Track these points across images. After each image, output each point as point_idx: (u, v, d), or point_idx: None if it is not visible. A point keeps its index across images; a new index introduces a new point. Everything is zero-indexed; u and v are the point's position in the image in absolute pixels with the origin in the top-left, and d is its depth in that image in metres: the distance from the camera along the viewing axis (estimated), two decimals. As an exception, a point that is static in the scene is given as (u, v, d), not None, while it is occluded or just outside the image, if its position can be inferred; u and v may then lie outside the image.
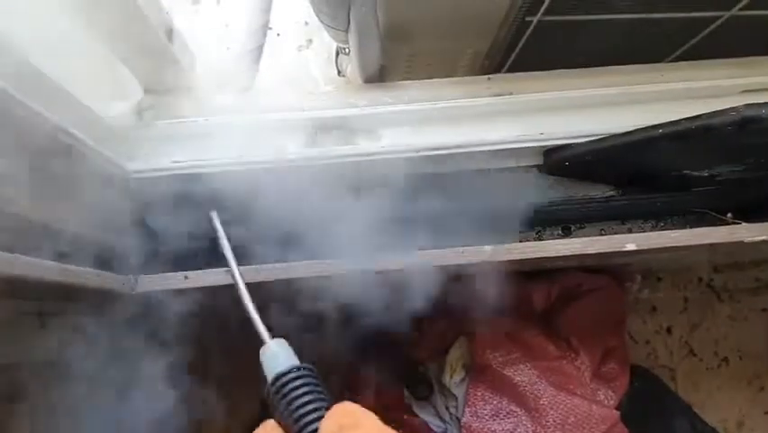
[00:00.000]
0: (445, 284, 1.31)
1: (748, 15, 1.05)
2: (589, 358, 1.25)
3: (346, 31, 1.02)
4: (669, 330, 1.54)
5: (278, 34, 1.65)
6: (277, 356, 0.66)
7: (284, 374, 0.62)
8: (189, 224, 0.92)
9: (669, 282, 1.54)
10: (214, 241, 0.92)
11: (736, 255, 1.23)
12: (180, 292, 0.90)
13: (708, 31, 1.09)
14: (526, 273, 1.31)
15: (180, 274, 0.89)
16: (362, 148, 0.96)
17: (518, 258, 0.94)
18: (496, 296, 1.32)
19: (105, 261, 0.92)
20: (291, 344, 0.69)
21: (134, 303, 0.91)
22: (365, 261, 0.93)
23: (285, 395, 0.60)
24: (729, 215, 1.00)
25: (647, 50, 1.18)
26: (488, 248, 0.92)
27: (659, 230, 0.99)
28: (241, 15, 1.39)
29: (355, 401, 1.34)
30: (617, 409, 1.24)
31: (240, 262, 0.86)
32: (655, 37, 1.13)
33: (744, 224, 0.97)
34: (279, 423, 0.59)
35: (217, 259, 0.93)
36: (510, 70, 1.23)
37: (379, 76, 1.26)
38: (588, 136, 0.99)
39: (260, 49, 1.38)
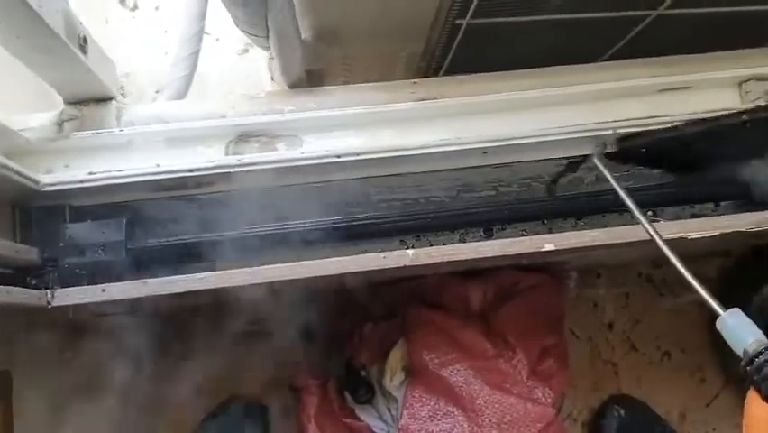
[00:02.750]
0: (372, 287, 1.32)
1: (675, 14, 1.07)
2: (526, 356, 1.27)
3: (266, 37, 1.01)
4: (610, 326, 1.56)
5: (216, 39, 1.64)
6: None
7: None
8: (106, 236, 0.91)
9: (609, 278, 1.56)
10: (131, 252, 0.91)
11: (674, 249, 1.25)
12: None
13: (637, 30, 1.11)
14: (463, 272, 1.32)
15: (98, 287, 0.88)
16: (282, 155, 0.96)
17: (440, 261, 0.94)
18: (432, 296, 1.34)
19: (20, 276, 0.91)
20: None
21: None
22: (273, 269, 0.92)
23: None
24: (650, 213, 1.02)
25: (580, 50, 1.20)
26: (409, 252, 0.93)
27: (577, 229, 1.01)
28: (177, 22, 1.38)
29: (298, 406, 1.35)
30: (553, 406, 1.25)
31: (153, 274, 0.86)
32: (586, 37, 1.15)
33: (662, 222, 0.99)
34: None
35: (137, 270, 0.93)
36: (448, 72, 1.24)
37: (311, 80, 1.26)
38: (510, 140, 1.00)
39: (194, 56, 1.37)
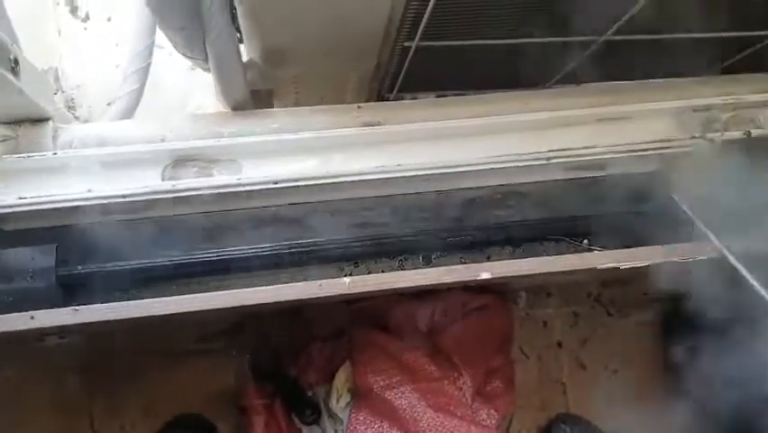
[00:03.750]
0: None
1: (620, 41, 1.09)
2: (472, 378, 1.27)
3: (206, 60, 1.01)
4: (560, 345, 1.57)
5: (170, 54, 1.62)
6: None
7: None
8: (36, 262, 0.90)
9: (559, 298, 1.57)
10: (62, 278, 0.90)
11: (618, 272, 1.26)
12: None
13: (585, 54, 1.12)
14: (411, 293, 1.32)
15: (26, 314, 0.87)
16: (218, 181, 0.95)
17: (377, 289, 0.94)
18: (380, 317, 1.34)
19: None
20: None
21: None
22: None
23: None
24: (585, 241, 1.03)
25: (531, 74, 1.21)
26: (346, 280, 0.93)
27: (518, 257, 1.01)
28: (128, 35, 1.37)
29: (246, 426, 1.33)
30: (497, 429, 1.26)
31: (88, 301, 0.85)
32: (535, 62, 1.16)
33: (595, 251, 1.00)
34: None
35: (69, 296, 0.91)
36: (401, 91, 1.25)
37: (260, 100, 1.26)
38: (451, 167, 1.00)
39: (144, 70, 1.36)
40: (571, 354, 1.57)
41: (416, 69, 1.13)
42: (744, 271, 0.90)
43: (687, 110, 1.06)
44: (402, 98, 1.24)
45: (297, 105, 1.28)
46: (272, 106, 1.29)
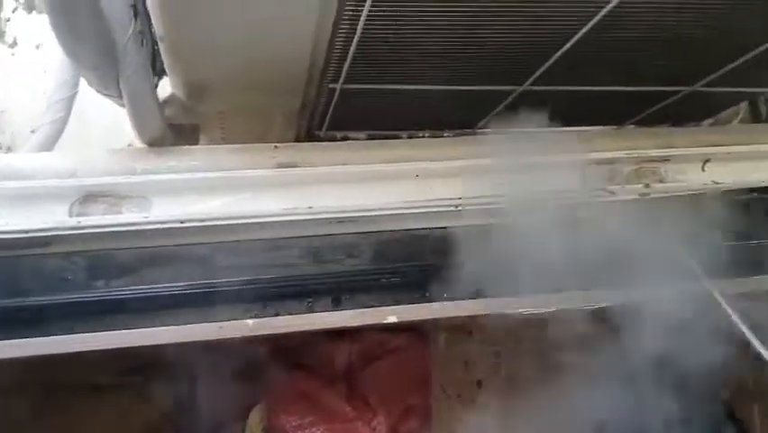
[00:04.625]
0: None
1: (538, 91, 1.13)
2: (386, 418, 1.28)
3: (121, 97, 1.01)
4: (479, 384, 1.59)
5: (98, 83, 1.61)
6: None
7: None
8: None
9: (480, 337, 1.60)
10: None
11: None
12: None
13: (505, 103, 1.16)
14: (328, 333, 1.32)
15: None
16: (125, 218, 0.95)
17: (283, 331, 0.95)
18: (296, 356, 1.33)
19: None
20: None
21: None
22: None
23: None
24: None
25: (455, 118, 1.24)
26: (249, 322, 0.93)
27: (424, 300, 1.03)
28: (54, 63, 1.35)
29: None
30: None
31: None
32: (459, 107, 1.20)
33: (498, 297, 1.03)
34: None
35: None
36: (330, 129, 1.26)
37: (184, 135, 1.25)
38: (361, 211, 1.02)
39: (68, 100, 1.34)
40: (490, 393, 1.59)
41: (343, 109, 1.15)
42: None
43: (591, 163, 1.10)
44: (333, 135, 1.26)
45: (223, 140, 1.28)
46: (197, 142, 1.29)
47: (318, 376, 1.29)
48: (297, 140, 1.23)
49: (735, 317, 0.97)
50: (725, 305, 0.98)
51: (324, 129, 1.27)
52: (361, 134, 1.29)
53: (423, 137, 1.26)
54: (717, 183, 1.13)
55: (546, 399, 1.61)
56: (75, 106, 1.30)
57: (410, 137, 1.27)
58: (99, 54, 0.91)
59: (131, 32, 0.91)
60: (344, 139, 1.27)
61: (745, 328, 0.95)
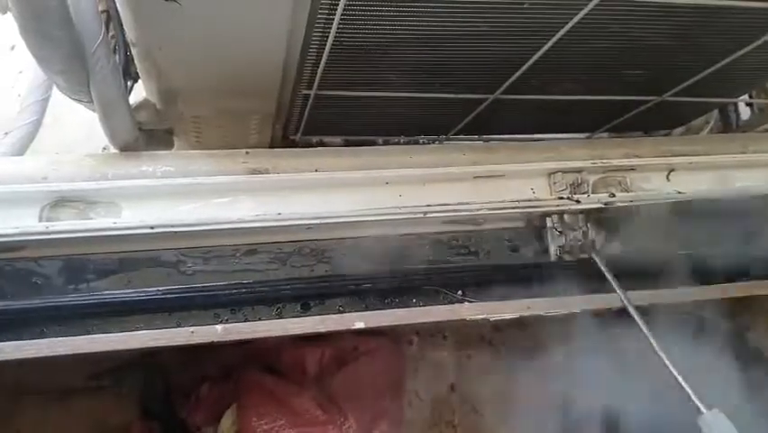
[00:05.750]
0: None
1: (510, 99, 1.15)
2: (357, 421, 1.29)
3: (91, 102, 1.01)
4: (452, 387, 1.61)
5: (75, 86, 1.60)
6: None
7: None
8: None
9: (453, 341, 1.61)
10: None
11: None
12: None
13: (477, 111, 1.18)
14: (300, 336, 1.33)
15: None
16: (95, 223, 0.95)
17: (252, 337, 0.95)
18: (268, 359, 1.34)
19: None
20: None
21: None
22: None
23: None
24: (459, 292, 1.07)
25: (429, 124, 1.26)
26: (218, 328, 0.94)
27: (391, 306, 1.04)
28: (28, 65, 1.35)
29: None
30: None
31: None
32: (431, 114, 1.21)
33: (465, 303, 1.05)
34: None
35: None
36: (306, 134, 1.27)
37: (159, 140, 1.25)
38: (329, 218, 1.03)
39: (42, 103, 1.33)
40: (462, 397, 1.61)
41: (317, 114, 1.15)
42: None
43: (557, 171, 1.12)
44: (308, 140, 1.26)
45: (198, 144, 1.29)
46: (172, 146, 1.29)
47: (290, 379, 1.30)
48: (273, 144, 1.24)
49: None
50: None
51: (299, 134, 1.27)
52: (337, 139, 1.30)
53: (398, 143, 1.27)
54: (681, 192, 1.15)
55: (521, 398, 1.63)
56: (51, 109, 1.30)
57: (385, 143, 1.28)
58: (68, 59, 0.91)
59: (101, 38, 0.92)
60: (320, 144, 1.28)
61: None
